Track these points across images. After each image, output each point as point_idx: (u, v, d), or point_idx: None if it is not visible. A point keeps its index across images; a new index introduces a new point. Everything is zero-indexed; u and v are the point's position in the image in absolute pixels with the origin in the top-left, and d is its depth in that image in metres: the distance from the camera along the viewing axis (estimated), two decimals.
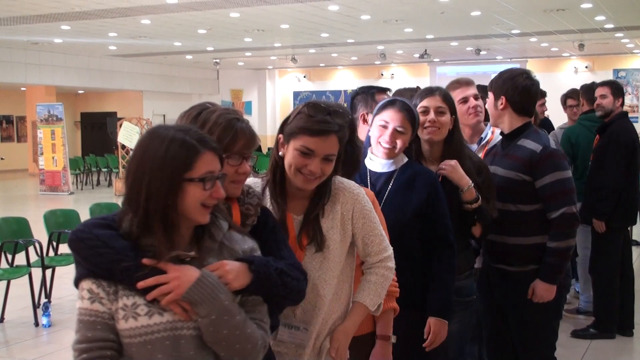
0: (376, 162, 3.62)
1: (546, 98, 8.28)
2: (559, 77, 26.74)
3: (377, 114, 3.60)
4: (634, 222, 7.11)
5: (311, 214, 2.86)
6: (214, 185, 2.24)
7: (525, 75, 4.22)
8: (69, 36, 20.63)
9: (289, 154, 2.81)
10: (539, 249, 4.08)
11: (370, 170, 3.61)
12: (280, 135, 2.87)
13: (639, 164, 6.84)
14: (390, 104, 3.57)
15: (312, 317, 2.86)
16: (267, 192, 2.94)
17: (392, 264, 2.97)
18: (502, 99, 4.18)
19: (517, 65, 27.02)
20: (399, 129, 3.51)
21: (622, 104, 6.89)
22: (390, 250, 2.97)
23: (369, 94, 4.26)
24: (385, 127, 3.52)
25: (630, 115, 22.02)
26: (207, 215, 2.26)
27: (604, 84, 7.02)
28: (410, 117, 3.54)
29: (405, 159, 3.62)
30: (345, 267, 2.95)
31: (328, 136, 2.76)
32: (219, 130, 2.49)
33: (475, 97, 4.61)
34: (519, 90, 4.16)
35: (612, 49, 25.28)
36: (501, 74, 4.29)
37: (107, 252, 2.19)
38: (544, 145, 4.08)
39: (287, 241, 2.69)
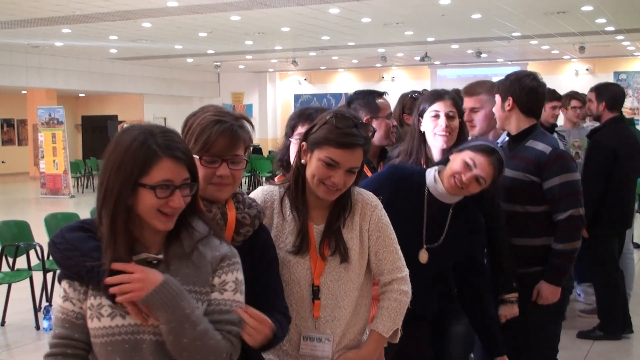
0: (439, 189, 3.44)
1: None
2: (560, 80, 26.71)
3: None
4: (627, 227, 7.08)
5: (334, 225, 2.83)
6: (172, 194, 2.18)
7: (532, 76, 4.25)
8: (69, 39, 20.63)
9: (313, 164, 2.77)
10: (544, 250, 4.09)
11: (429, 192, 3.48)
12: (304, 143, 2.83)
13: (624, 171, 6.72)
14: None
15: (333, 329, 2.83)
16: (287, 201, 2.89)
17: (406, 287, 2.90)
18: (509, 100, 4.19)
19: (518, 68, 27.05)
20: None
21: (608, 106, 6.79)
22: (405, 272, 2.91)
23: (370, 99, 4.26)
24: (463, 171, 3.37)
25: (630, 117, 21.72)
26: (167, 222, 2.22)
27: (592, 89, 7.05)
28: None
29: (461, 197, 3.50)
30: (365, 282, 2.93)
31: (354, 149, 2.73)
32: (197, 131, 2.47)
33: (472, 110, 4.54)
34: (526, 91, 4.18)
35: (613, 51, 25.28)
36: (508, 76, 4.31)
37: (74, 255, 2.23)
38: (553, 146, 4.10)
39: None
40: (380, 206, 2.92)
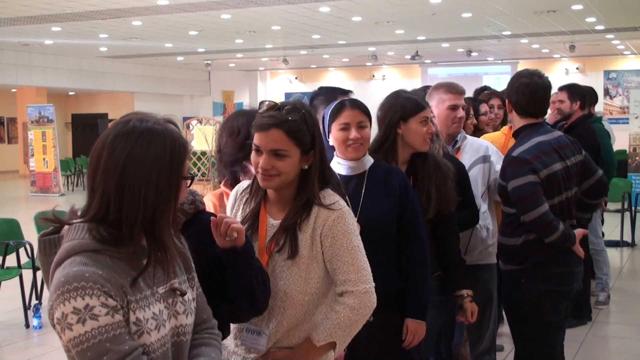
0: (344, 165, 3.55)
1: None
2: (550, 79, 26.63)
3: (332, 121, 3.54)
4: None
5: (288, 221, 2.79)
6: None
7: (527, 74, 4.28)
8: (59, 37, 20.57)
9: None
10: (523, 248, 4.15)
11: (340, 175, 3.39)
12: None
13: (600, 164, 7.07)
14: (341, 105, 3.55)
15: (270, 325, 2.80)
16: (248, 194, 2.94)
17: (355, 302, 2.75)
18: (507, 102, 4.29)
19: (508, 67, 27.13)
20: (361, 124, 3.49)
21: (582, 105, 7.19)
22: (359, 287, 2.76)
23: (332, 97, 4.29)
24: (347, 128, 3.47)
25: (620, 116, 22.15)
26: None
27: (562, 88, 7.43)
28: (365, 110, 3.54)
29: (372, 160, 3.58)
30: (326, 291, 2.83)
31: (268, 130, 2.72)
32: None
33: (463, 108, 4.77)
34: (515, 90, 4.24)
35: (603, 50, 25.34)
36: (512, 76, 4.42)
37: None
38: (508, 152, 4.21)
39: None
40: (345, 214, 2.80)
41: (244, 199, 2.95)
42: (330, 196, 2.83)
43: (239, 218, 2.90)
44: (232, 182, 3.32)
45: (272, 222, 2.84)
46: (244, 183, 3.02)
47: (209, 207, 3.22)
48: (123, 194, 2.05)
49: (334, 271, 2.78)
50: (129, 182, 2.04)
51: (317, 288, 2.80)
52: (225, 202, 3.20)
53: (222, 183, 3.42)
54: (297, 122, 2.74)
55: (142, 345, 2.06)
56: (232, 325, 2.88)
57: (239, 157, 3.29)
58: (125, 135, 2.08)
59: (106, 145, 2.08)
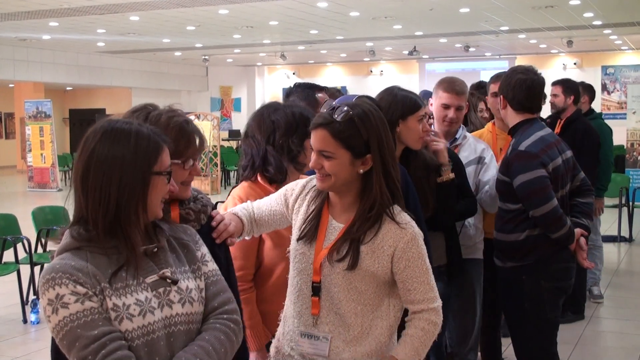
0: None
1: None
2: (548, 74, 26.46)
3: None
4: None
5: (353, 232, 2.72)
6: (170, 180, 2.28)
7: (523, 70, 4.26)
8: (57, 33, 20.55)
9: None
10: (521, 245, 4.14)
11: None
12: None
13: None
14: None
15: (332, 330, 2.75)
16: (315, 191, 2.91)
17: (436, 318, 2.75)
18: (501, 98, 4.28)
19: (506, 62, 27.11)
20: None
21: (575, 101, 7.19)
22: (437, 303, 2.77)
23: (309, 92, 4.28)
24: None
25: (618, 111, 22.23)
26: (161, 209, 2.29)
27: (556, 83, 7.44)
28: None
29: None
30: (384, 305, 2.78)
31: (315, 130, 2.72)
32: (173, 135, 2.47)
33: (458, 109, 4.65)
34: (512, 86, 4.21)
35: (601, 45, 25.35)
36: (505, 73, 4.39)
37: None
38: (515, 145, 4.16)
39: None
40: (417, 236, 2.76)
41: (311, 196, 2.90)
42: (401, 214, 2.77)
43: (302, 214, 2.87)
44: (280, 178, 3.29)
45: (334, 223, 2.80)
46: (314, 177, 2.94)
47: (236, 203, 3.19)
48: (87, 192, 2.16)
49: (409, 291, 2.74)
50: (92, 180, 2.15)
51: (371, 300, 2.76)
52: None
53: (258, 177, 3.36)
54: (345, 124, 2.67)
55: (123, 332, 2.10)
56: (286, 330, 2.88)
57: (298, 152, 3.29)
58: (93, 135, 2.21)
59: (80, 145, 2.23)
